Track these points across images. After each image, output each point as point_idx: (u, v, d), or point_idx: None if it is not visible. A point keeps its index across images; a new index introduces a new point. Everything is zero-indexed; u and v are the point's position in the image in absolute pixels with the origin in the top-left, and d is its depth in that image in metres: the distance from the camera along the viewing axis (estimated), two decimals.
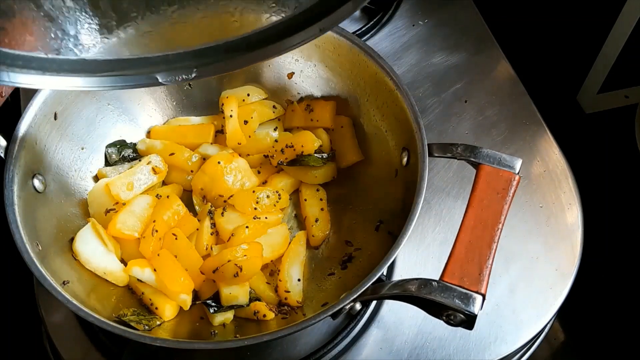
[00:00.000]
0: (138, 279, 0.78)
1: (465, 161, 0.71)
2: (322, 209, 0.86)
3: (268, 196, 0.84)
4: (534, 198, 0.92)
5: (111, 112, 0.87)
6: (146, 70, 0.50)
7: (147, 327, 0.73)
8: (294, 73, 0.91)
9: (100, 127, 0.86)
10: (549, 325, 0.86)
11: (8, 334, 1.06)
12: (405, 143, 0.77)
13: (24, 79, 0.51)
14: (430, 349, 0.81)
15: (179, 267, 0.77)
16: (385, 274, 0.85)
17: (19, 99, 0.97)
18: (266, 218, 0.84)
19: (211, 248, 0.82)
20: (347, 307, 0.64)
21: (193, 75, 0.51)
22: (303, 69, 0.90)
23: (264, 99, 0.93)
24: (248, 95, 0.92)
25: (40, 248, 0.71)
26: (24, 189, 0.73)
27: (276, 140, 0.90)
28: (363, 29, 1.07)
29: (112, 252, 0.79)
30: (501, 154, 0.70)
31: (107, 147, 0.87)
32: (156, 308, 0.77)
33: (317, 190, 0.88)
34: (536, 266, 0.86)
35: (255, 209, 0.83)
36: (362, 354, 0.81)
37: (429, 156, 0.71)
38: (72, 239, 0.78)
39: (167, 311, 0.76)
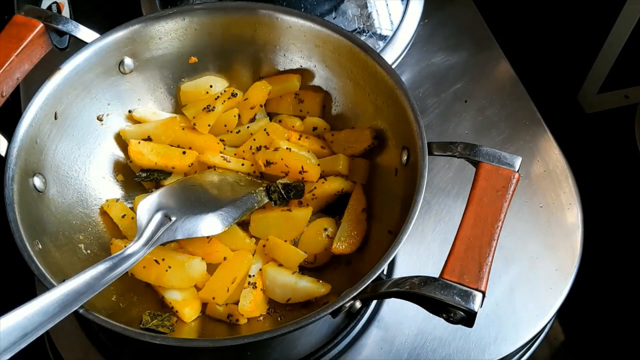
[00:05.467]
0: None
1: (465, 159, 0.71)
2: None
3: None
4: (534, 198, 0.92)
5: (111, 112, 0.87)
6: None
7: (171, 329, 0.72)
8: None
9: (100, 127, 0.86)
10: (549, 325, 0.86)
11: None
12: (405, 142, 0.77)
13: None
14: (430, 349, 0.81)
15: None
16: (385, 273, 0.85)
17: (20, 98, 0.98)
18: None
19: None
20: (347, 305, 0.64)
21: None
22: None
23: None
24: (211, 86, 0.89)
25: (40, 247, 0.70)
26: (24, 188, 0.73)
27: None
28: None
29: None
30: (501, 151, 0.70)
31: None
32: (174, 309, 0.75)
33: None
34: (536, 266, 0.86)
35: None
36: (362, 354, 0.81)
37: (428, 155, 0.71)
38: (72, 238, 0.78)
39: (187, 313, 0.74)
